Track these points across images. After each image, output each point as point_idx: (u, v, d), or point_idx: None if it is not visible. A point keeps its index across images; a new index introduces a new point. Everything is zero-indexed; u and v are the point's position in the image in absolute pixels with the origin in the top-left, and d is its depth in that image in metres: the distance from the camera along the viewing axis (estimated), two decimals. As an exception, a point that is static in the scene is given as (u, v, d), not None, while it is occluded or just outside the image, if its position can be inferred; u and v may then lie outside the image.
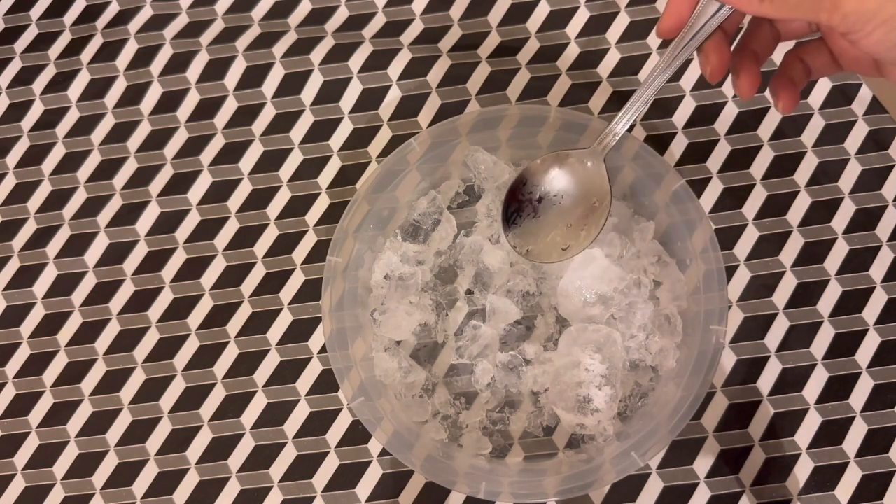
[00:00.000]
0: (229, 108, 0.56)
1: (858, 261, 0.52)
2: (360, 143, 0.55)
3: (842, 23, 0.31)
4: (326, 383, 0.52)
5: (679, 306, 0.49)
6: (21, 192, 0.56)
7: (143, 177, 0.56)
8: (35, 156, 0.57)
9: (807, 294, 0.52)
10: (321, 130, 0.56)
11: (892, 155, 0.53)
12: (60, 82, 0.58)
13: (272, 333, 0.53)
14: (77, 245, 0.55)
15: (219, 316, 0.53)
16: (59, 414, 0.52)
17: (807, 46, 0.39)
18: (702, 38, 0.37)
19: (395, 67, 0.56)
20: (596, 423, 0.47)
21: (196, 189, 0.55)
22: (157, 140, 0.56)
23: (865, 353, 0.51)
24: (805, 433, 0.50)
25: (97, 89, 0.57)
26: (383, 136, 0.55)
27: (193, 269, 0.54)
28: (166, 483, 0.51)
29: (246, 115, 0.56)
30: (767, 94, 0.54)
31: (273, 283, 0.53)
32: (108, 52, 0.58)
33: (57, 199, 0.56)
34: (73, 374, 0.53)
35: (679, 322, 0.49)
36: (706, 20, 0.37)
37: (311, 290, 0.53)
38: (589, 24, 0.56)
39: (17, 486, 0.52)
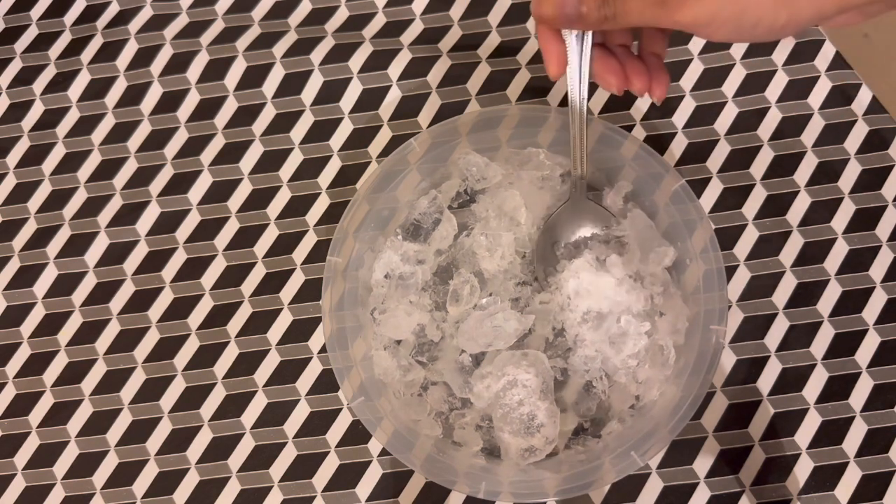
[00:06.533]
0: (229, 108, 0.56)
1: (858, 261, 0.52)
2: (360, 143, 0.55)
3: (687, 27, 0.34)
4: (326, 383, 0.52)
5: (675, 341, 0.48)
6: (21, 192, 0.56)
7: (143, 177, 0.56)
8: (35, 156, 0.57)
9: (807, 294, 0.52)
10: (321, 130, 0.56)
11: (892, 155, 0.53)
12: (61, 82, 0.58)
13: (272, 333, 0.53)
14: (77, 245, 0.55)
15: (219, 316, 0.53)
16: (60, 414, 0.52)
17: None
18: (587, 67, 0.38)
19: (395, 67, 0.56)
20: (543, 441, 0.47)
21: (196, 189, 0.55)
22: (157, 140, 0.56)
23: (865, 353, 0.51)
24: (805, 433, 0.50)
25: (97, 89, 0.57)
26: (383, 136, 0.55)
27: (194, 269, 0.54)
28: (166, 483, 0.51)
29: (246, 115, 0.56)
30: (767, 93, 0.54)
31: (273, 283, 0.53)
32: (109, 52, 0.58)
33: (57, 199, 0.56)
34: (74, 374, 0.53)
35: (672, 355, 0.47)
36: (579, 52, 0.38)
37: (311, 290, 0.53)
38: (589, 24, 0.56)
39: (17, 486, 0.52)
